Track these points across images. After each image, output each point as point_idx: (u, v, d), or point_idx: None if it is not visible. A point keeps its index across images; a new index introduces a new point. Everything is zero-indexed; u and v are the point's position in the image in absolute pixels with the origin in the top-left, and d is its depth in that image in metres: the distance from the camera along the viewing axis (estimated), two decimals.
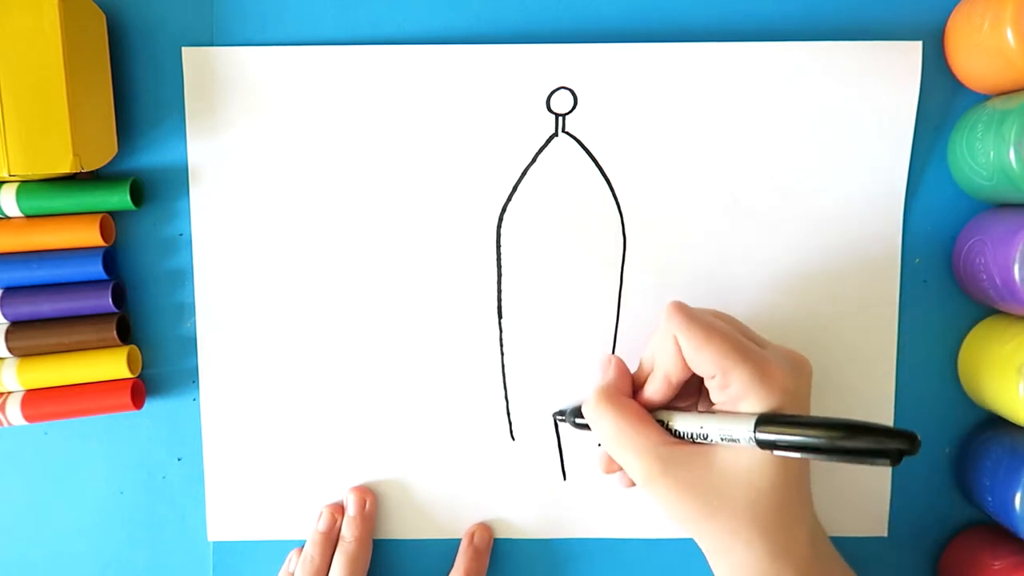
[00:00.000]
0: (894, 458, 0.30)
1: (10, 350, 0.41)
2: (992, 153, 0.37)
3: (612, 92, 0.41)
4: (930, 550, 0.44)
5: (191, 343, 0.43)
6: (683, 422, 0.35)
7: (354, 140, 0.41)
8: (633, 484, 0.38)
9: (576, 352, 0.42)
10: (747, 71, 0.41)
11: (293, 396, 0.43)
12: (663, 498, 0.34)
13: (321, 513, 0.43)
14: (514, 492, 0.43)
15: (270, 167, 0.42)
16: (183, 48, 0.41)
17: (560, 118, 0.41)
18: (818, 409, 0.36)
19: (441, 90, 0.41)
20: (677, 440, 0.35)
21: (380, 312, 0.42)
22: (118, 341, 0.41)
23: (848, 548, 0.40)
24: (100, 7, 0.40)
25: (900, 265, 0.42)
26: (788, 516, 0.33)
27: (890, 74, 0.40)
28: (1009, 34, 0.35)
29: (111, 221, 0.42)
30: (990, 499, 0.40)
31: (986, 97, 0.41)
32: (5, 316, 0.41)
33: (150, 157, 0.42)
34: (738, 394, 0.33)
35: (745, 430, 0.32)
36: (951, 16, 0.40)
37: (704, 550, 0.35)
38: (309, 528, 0.43)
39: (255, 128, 0.41)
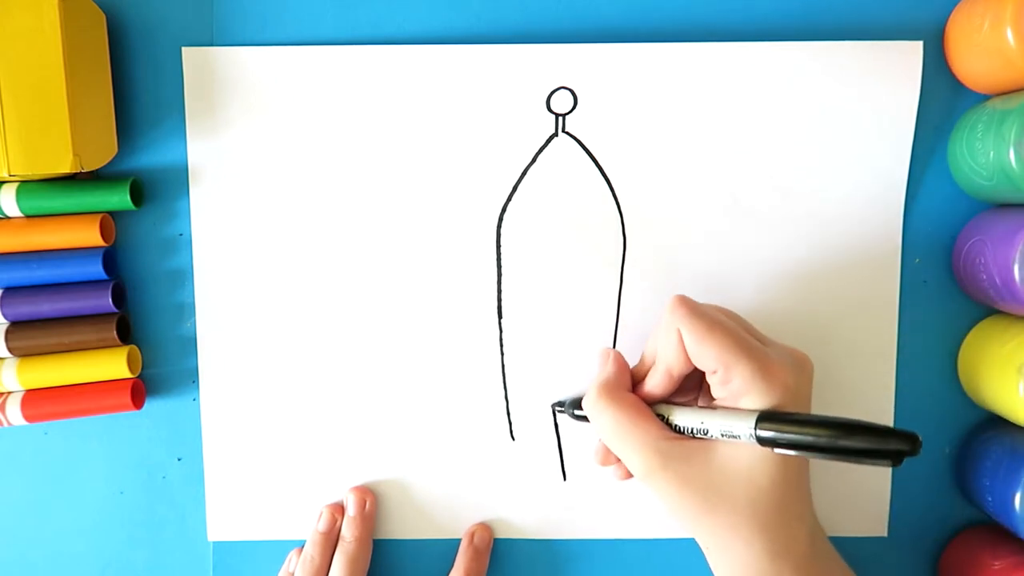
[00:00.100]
0: (895, 459, 0.30)
1: (10, 350, 0.41)
2: (992, 153, 0.37)
3: (612, 92, 0.41)
4: (930, 550, 0.44)
5: (191, 343, 0.43)
6: (683, 417, 0.35)
7: (354, 140, 0.41)
8: (629, 477, 0.38)
9: (576, 352, 0.42)
10: (747, 71, 0.41)
11: (293, 396, 0.43)
12: (663, 492, 0.34)
13: (321, 513, 0.43)
14: (514, 492, 0.43)
15: (270, 167, 0.42)
16: (183, 48, 0.41)
17: (560, 118, 0.41)
18: (818, 408, 0.36)
19: (441, 90, 0.41)
20: (677, 435, 0.35)
21: (380, 312, 0.42)
22: (118, 341, 0.41)
23: (848, 548, 0.40)
24: (100, 7, 0.40)
25: (900, 265, 0.42)
26: (788, 515, 0.33)
27: (890, 74, 0.40)
28: (1009, 34, 0.35)
29: (111, 221, 0.42)
30: (990, 499, 0.40)
31: (986, 97, 0.41)
32: (5, 316, 0.41)
33: (150, 157, 0.42)
34: (739, 390, 0.33)
35: (746, 426, 0.32)
36: (951, 16, 0.40)
37: (703, 547, 0.35)
38: (309, 528, 0.43)
39: (255, 128, 0.41)
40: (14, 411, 0.40)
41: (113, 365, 0.41)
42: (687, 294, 0.35)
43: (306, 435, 0.43)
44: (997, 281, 0.38)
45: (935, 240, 0.42)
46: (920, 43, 0.40)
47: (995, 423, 0.42)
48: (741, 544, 0.33)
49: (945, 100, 0.41)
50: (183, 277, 0.42)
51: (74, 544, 0.44)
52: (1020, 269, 0.36)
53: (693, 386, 0.38)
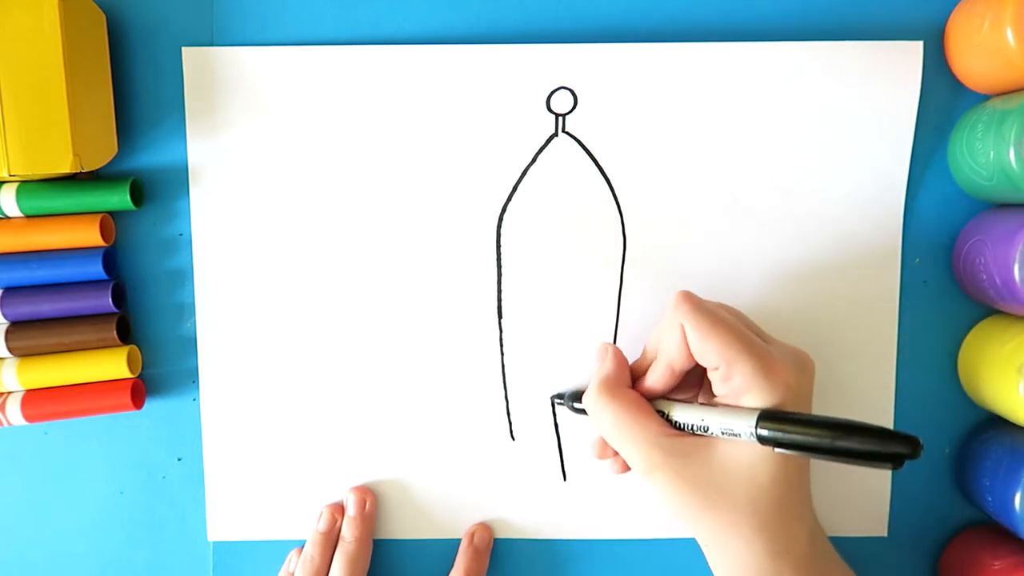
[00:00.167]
0: (895, 462, 0.30)
1: (10, 350, 0.41)
2: (992, 153, 0.37)
3: (612, 92, 0.41)
4: (930, 550, 0.44)
5: (191, 343, 0.43)
6: (684, 413, 0.35)
7: (354, 140, 0.41)
8: (625, 470, 0.39)
9: (576, 352, 0.42)
10: (747, 71, 0.41)
11: (293, 396, 0.43)
12: (663, 488, 0.34)
13: (321, 513, 0.43)
14: (514, 492, 0.43)
15: (270, 167, 0.42)
16: (183, 48, 0.41)
17: (560, 118, 0.41)
18: (818, 408, 0.36)
19: (441, 90, 0.41)
20: (677, 432, 0.35)
21: (380, 312, 0.42)
22: (118, 341, 0.41)
23: (848, 548, 0.40)
24: (100, 7, 0.40)
25: (900, 265, 0.42)
26: (788, 514, 0.33)
27: (890, 74, 0.40)
28: (1009, 34, 0.35)
29: (111, 221, 0.42)
30: (990, 499, 0.40)
31: (986, 97, 0.41)
32: (5, 316, 0.41)
33: (150, 157, 0.42)
34: (741, 387, 0.33)
35: (747, 425, 0.32)
36: (951, 16, 0.40)
37: (703, 545, 0.35)
38: (309, 528, 0.43)
39: (255, 128, 0.41)
40: (14, 411, 0.40)
41: (113, 365, 0.41)
42: None
43: (306, 435, 0.43)
44: (997, 281, 0.38)
45: (935, 240, 0.42)
46: (920, 43, 0.40)
47: (995, 423, 0.42)
48: (741, 543, 0.33)
49: (945, 100, 0.41)
50: (183, 277, 0.42)
51: (74, 544, 0.44)
52: (1020, 269, 0.36)
53: (694, 383, 0.38)
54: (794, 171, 0.41)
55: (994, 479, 0.39)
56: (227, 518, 0.43)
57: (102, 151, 0.39)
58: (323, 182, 0.42)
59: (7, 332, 0.40)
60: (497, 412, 0.43)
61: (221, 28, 0.41)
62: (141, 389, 0.43)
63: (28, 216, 0.40)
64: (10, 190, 0.40)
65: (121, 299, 0.42)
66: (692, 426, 0.34)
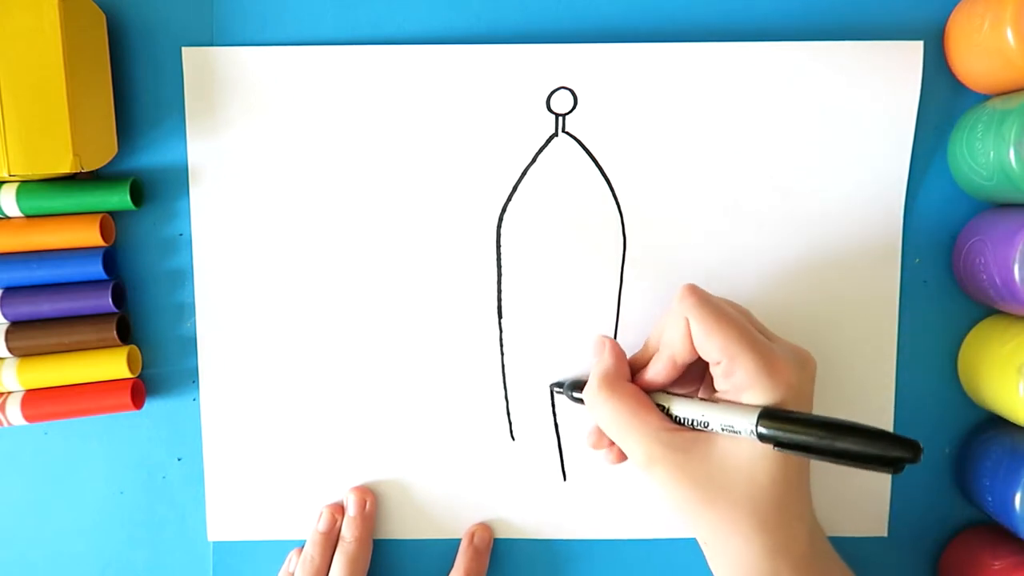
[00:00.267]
0: (895, 466, 0.30)
1: (10, 350, 0.41)
2: (992, 153, 0.37)
3: (612, 92, 0.41)
4: (930, 550, 0.44)
5: (191, 343, 0.43)
6: (684, 408, 0.35)
7: (354, 140, 0.41)
8: (620, 460, 0.39)
9: (576, 352, 0.42)
10: (747, 71, 0.41)
11: (293, 396, 0.43)
12: (663, 482, 0.34)
13: (321, 513, 0.43)
14: (514, 492, 0.43)
15: (270, 167, 0.42)
16: (183, 48, 0.41)
17: (560, 118, 0.41)
18: (818, 408, 0.36)
19: (441, 90, 0.41)
20: (677, 426, 0.35)
21: (380, 312, 0.42)
22: (118, 341, 0.41)
23: (848, 548, 0.40)
24: (100, 7, 0.40)
25: (900, 265, 0.42)
26: (787, 513, 0.33)
27: (890, 74, 0.40)
28: (1009, 34, 0.35)
29: (111, 221, 0.42)
30: (990, 499, 0.40)
31: (986, 97, 0.41)
32: (5, 316, 0.41)
33: (150, 157, 0.42)
34: (742, 383, 0.33)
35: (747, 423, 0.32)
36: (951, 16, 0.40)
37: (701, 542, 0.35)
38: (309, 528, 0.43)
39: (255, 128, 0.41)
40: (14, 411, 0.40)
41: (113, 365, 0.41)
42: None
43: (306, 435, 0.43)
44: (997, 281, 0.38)
45: (935, 240, 0.42)
46: (920, 43, 0.40)
47: (995, 423, 0.42)
48: (740, 540, 0.33)
49: (945, 100, 0.41)
50: (183, 277, 0.42)
51: (74, 544, 0.44)
52: (1020, 269, 0.36)
53: (695, 377, 0.38)
54: (794, 171, 0.41)
55: (994, 479, 0.39)
56: (227, 518, 0.43)
57: (102, 151, 0.39)
58: (323, 182, 0.42)
59: (7, 332, 0.40)
60: (497, 412, 0.43)
61: (221, 28, 0.41)
62: (141, 389, 0.43)
63: (28, 216, 0.40)
64: (10, 190, 0.40)
65: (121, 299, 0.42)
66: (692, 421, 0.34)
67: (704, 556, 0.35)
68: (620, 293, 0.42)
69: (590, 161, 0.41)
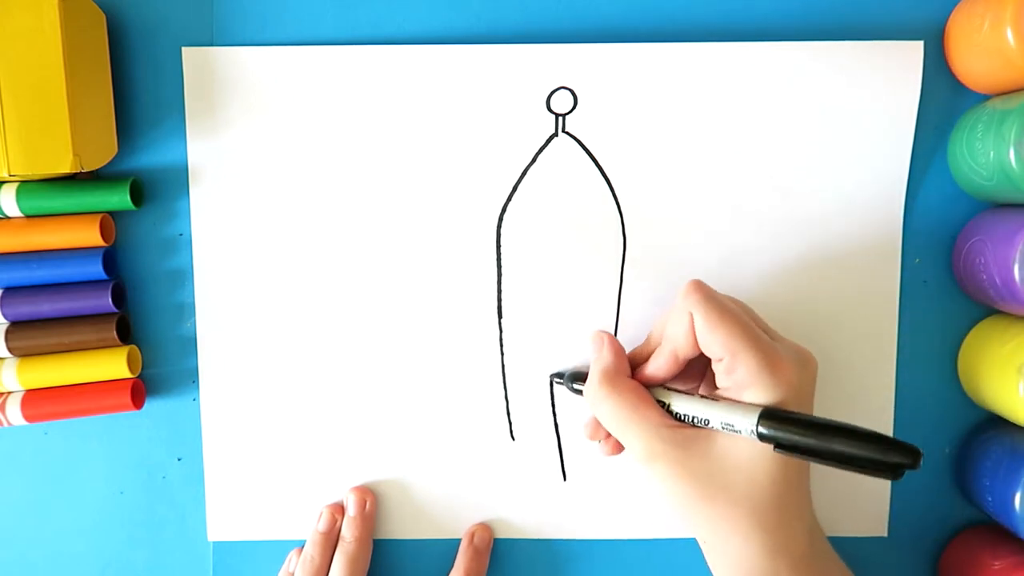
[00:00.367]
0: (895, 472, 0.30)
1: (10, 350, 0.41)
2: (992, 153, 0.37)
3: (612, 92, 0.41)
4: (930, 550, 0.44)
5: (191, 343, 0.43)
6: (685, 405, 0.35)
7: (354, 140, 0.41)
8: (617, 452, 0.39)
9: (576, 352, 0.42)
10: (747, 71, 0.41)
11: (293, 396, 0.43)
12: (664, 477, 0.34)
13: (321, 513, 0.43)
14: (514, 492, 0.43)
15: (270, 167, 0.42)
16: (183, 48, 0.41)
17: (560, 118, 0.41)
18: (818, 408, 0.36)
19: (441, 90, 0.41)
20: (678, 423, 0.35)
21: (380, 312, 0.42)
22: (118, 341, 0.41)
23: (848, 548, 0.40)
24: (100, 7, 0.40)
25: (900, 265, 0.42)
26: (787, 512, 0.33)
27: (891, 74, 0.40)
28: (1009, 34, 0.35)
29: (111, 221, 0.42)
30: (990, 499, 0.40)
31: (986, 97, 0.41)
32: (5, 316, 0.41)
33: (150, 157, 0.42)
34: (744, 381, 0.33)
35: (748, 422, 0.32)
36: (951, 16, 0.40)
37: (700, 541, 0.35)
38: (309, 528, 0.43)
39: (255, 128, 0.41)
40: (14, 411, 0.40)
41: (113, 365, 0.41)
42: None
43: (306, 435, 0.43)
44: (997, 281, 0.38)
45: (935, 240, 0.42)
46: (920, 43, 0.40)
47: (995, 423, 0.42)
48: (739, 539, 0.33)
49: (945, 100, 0.41)
50: (183, 277, 0.42)
51: (74, 544, 0.44)
52: (1020, 269, 0.36)
53: (696, 374, 0.38)
54: (794, 171, 0.41)
55: (994, 479, 0.39)
56: (227, 518, 0.43)
57: (102, 151, 0.39)
58: (323, 182, 0.42)
59: (7, 332, 0.40)
60: (497, 412, 0.43)
61: (221, 28, 0.41)
62: (141, 389, 0.43)
63: (28, 216, 0.40)
64: (10, 190, 0.40)
65: (121, 299, 0.42)
66: (693, 418, 0.34)
67: (703, 556, 0.35)
68: (620, 293, 0.42)
69: (590, 161, 0.41)
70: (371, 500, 0.43)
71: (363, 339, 0.42)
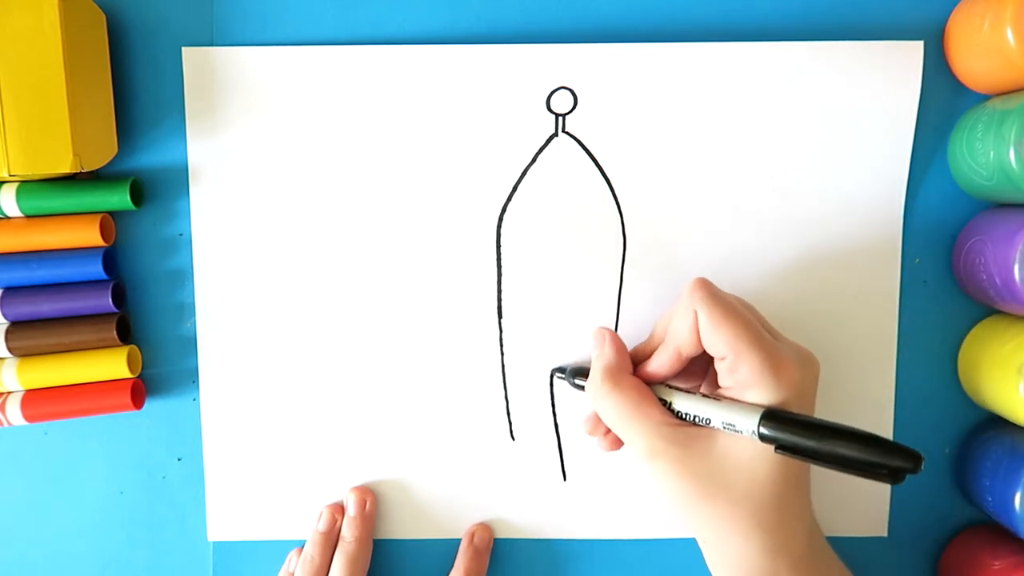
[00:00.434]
0: (897, 476, 0.30)
1: (10, 350, 0.41)
2: (992, 153, 0.37)
3: (612, 92, 0.41)
4: (930, 550, 0.44)
5: (191, 343, 0.43)
6: (686, 403, 0.35)
7: (354, 140, 0.41)
8: (615, 448, 0.39)
9: (576, 351, 0.42)
10: (747, 71, 0.41)
11: (293, 396, 0.43)
12: (665, 475, 0.34)
13: (321, 513, 0.43)
14: (514, 492, 0.43)
15: (270, 167, 0.42)
16: (183, 48, 0.41)
17: (560, 118, 0.41)
18: (818, 408, 0.36)
19: (441, 90, 0.41)
20: (679, 421, 0.35)
21: (380, 312, 0.42)
22: (118, 341, 0.41)
23: (848, 548, 0.40)
24: (100, 7, 0.40)
25: (900, 265, 0.42)
26: (787, 512, 0.33)
27: (891, 74, 0.40)
28: (1009, 34, 0.35)
29: (111, 221, 0.42)
30: (990, 499, 0.40)
31: (986, 97, 0.41)
32: (5, 316, 0.41)
33: (150, 157, 0.42)
34: (746, 381, 0.33)
35: (750, 423, 0.32)
36: (951, 16, 0.40)
37: (700, 541, 0.35)
38: (309, 528, 0.43)
39: (255, 128, 0.41)
40: (14, 411, 0.40)
41: (113, 365, 0.41)
42: None
43: (306, 435, 0.43)
44: (997, 281, 0.38)
45: (935, 240, 0.42)
46: (920, 43, 0.40)
47: (995, 423, 0.42)
48: (739, 538, 0.33)
49: (945, 100, 0.41)
50: (183, 277, 0.42)
51: (74, 544, 0.44)
52: (1020, 269, 0.36)
53: (697, 372, 0.38)
54: (794, 171, 0.41)
55: (994, 479, 0.39)
56: (227, 518, 0.43)
57: (102, 151, 0.39)
58: (323, 182, 0.42)
59: (7, 332, 0.40)
60: (497, 412, 0.43)
61: (221, 28, 0.41)
62: (141, 389, 0.43)
63: (28, 216, 0.40)
64: (10, 190, 0.40)
65: (121, 299, 0.42)
66: (694, 417, 0.34)
67: (702, 555, 0.35)
68: (620, 293, 0.42)
69: (590, 161, 0.41)
70: (371, 500, 0.43)
71: (363, 339, 0.42)
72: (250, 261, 0.42)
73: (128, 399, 0.41)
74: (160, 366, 0.43)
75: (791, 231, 0.42)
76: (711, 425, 0.34)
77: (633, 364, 0.38)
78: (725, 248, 0.42)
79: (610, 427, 0.36)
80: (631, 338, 0.42)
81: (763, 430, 0.31)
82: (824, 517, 0.42)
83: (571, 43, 0.41)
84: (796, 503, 0.34)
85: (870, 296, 0.42)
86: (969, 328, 0.42)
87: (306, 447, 0.43)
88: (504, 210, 0.42)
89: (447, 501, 0.43)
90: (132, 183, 0.41)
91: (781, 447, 0.31)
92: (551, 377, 0.42)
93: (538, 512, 0.43)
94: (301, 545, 0.43)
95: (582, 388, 0.39)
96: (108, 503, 0.44)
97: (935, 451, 0.43)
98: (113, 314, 0.41)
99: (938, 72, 0.41)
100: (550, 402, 0.43)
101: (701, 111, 0.41)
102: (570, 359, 0.42)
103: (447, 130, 0.41)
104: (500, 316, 0.42)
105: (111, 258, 0.42)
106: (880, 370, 0.42)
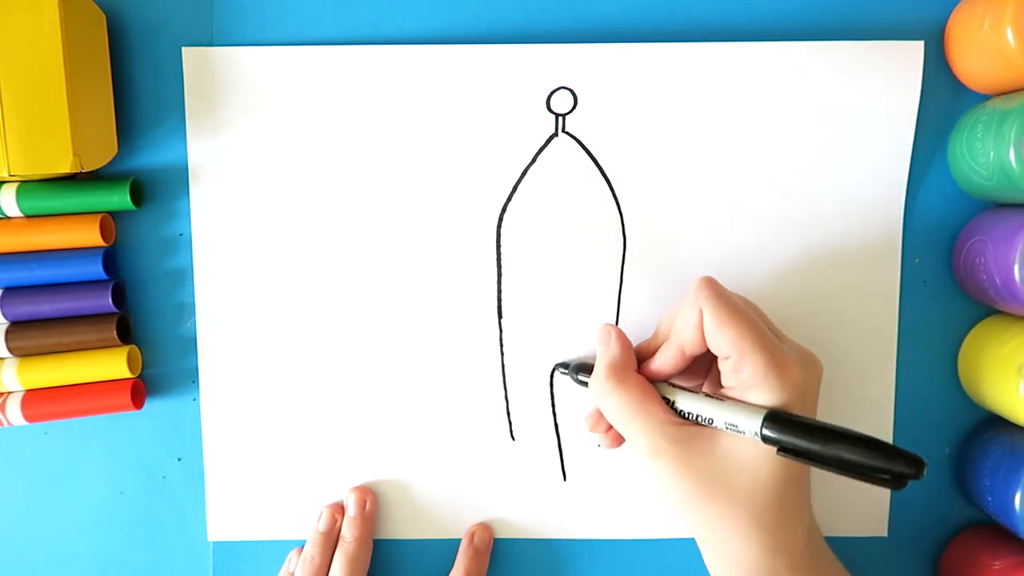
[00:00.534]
0: (898, 482, 0.30)
1: (10, 350, 0.41)
2: (992, 153, 0.37)
3: (612, 92, 0.41)
4: (930, 550, 0.44)
5: (191, 343, 0.43)
6: (689, 403, 0.35)
7: (354, 140, 0.41)
8: (616, 445, 0.39)
9: (576, 351, 0.42)
10: (747, 71, 0.41)
11: (293, 396, 0.43)
12: (666, 473, 0.34)
13: (321, 513, 0.43)
14: (514, 492, 0.43)
15: (270, 167, 0.42)
16: (183, 48, 0.41)
17: (560, 118, 0.41)
18: (819, 408, 0.36)
19: (441, 90, 0.41)
20: (682, 420, 0.35)
21: (380, 312, 0.42)
22: (118, 341, 0.41)
23: (848, 548, 0.40)
24: (100, 7, 0.40)
25: (900, 265, 0.42)
26: (787, 513, 0.33)
27: (891, 74, 0.40)
28: (1009, 34, 0.35)
29: (111, 221, 0.42)
30: (990, 499, 0.40)
31: (986, 97, 0.41)
32: (5, 316, 0.41)
33: (150, 157, 0.42)
34: (749, 380, 0.33)
35: (752, 424, 0.32)
36: (951, 16, 0.40)
37: (699, 541, 0.35)
38: (309, 528, 0.43)
39: (255, 128, 0.41)
40: (14, 411, 0.40)
41: (113, 365, 0.41)
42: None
43: (306, 435, 0.43)
44: (997, 281, 0.38)
45: (935, 240, 0.42)
46: (920, 43, 0.40)
47: (995, 423, 0.42)
48: (739, 538, 0.33)
49: (945, 100, 0.41)
50: (183, 277, 0.42)
51: (74, 544, 0.44)
52: (1020, 269, 0.36)
53: (701, 371, 0.38)
54: (794, 171, 0.41)
55: (994, 479, 0.39)
56: (227, 518, 0.43)
57: (102, 151, 0.39)
58: (323, 182, 0.42)
59: (7, 332, 0.40)
60: (497, 412, 0.43)
61: (221, 28, 0.41)
62: (141, 389, 0.43)
63: (28, 216, 0.40)
64: (10, 190, 0.40)
65: (121, 299, 0.42)
66: (697, 416, 0.34)
67: (701, 555, 0.35)
68: (620, 293, 0.42)
69: (590, 161, 0.41)
70: (371, 500, 0.43)
71: (363, 339, 0.42)
72: (250, 261, 0.42)
73: (128, 399, 0.41)
74: (160, 366, 0.43)
75: (791, 231, 0.42)
76: (713, 425, 0.34)
77: (636, 362, 0.38)
78: (725, 248, 0.42)
79: (612, 424, 0.36)
80: (631, 338, 0.42)
81: (766, 432, 0.31)
82: (824, 517, 0.42)
83: (571, 43, 0.41)
84: (796, 504, 0.34)
85: (870, 296, 0.42)
86: (969, 328, 0.42)
87: (306, 447, 0.43)
88: (504, 210, 0.42)
89: (447, 501, 0.43)
90: (132, 183, 0.41)
91: (784, 449, 0.31)
92: (552, 374, 0.42)
93: (538, 512, 0.43)
94: (301, 545, 0.43)
95: (585, 384, 0.39)
96: (108, 503, 0.44)
97: (935, 451, 0.43)
98: (113, 314, 0.41)
99: (938, 72, 0.41)
100: (550, 402, 0.43)
101: (701, 111, 0.41)
102: (572, 355, 0.42)
103: (447, 130, 0.41)
104: (500, 316, 0.42)
105: (111, 258, 0.42)
106: (880, 370, 0.42)
